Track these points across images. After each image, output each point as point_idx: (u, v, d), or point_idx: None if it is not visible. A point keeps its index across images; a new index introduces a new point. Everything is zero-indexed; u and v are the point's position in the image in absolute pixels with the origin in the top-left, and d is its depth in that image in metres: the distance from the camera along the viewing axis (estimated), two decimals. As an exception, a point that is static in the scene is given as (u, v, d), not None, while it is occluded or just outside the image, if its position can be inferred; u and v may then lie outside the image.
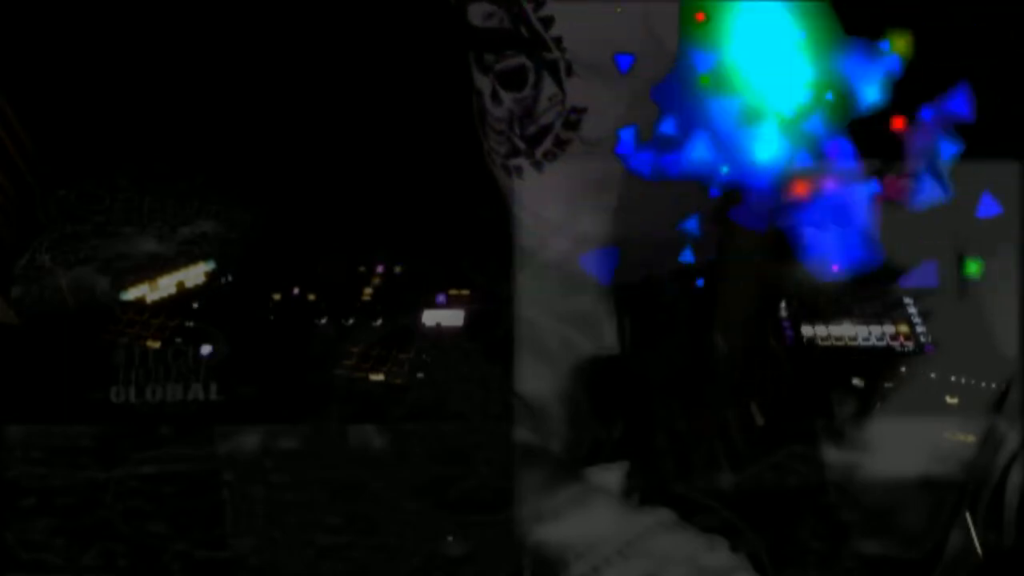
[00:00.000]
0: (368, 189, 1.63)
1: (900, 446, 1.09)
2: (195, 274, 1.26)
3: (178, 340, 1.17)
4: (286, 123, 1.73)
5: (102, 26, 1.67)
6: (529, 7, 1.28)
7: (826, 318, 1.21)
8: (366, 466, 1.09)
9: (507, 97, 1.38)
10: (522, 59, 1.34)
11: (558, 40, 1.31)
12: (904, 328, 1.20)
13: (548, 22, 1.29)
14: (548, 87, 1.34)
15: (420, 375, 1.13)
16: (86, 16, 1.65)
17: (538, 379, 1.17)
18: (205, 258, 1.27)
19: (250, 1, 1.69)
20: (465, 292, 1.23)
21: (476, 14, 1.34)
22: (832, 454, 1.10)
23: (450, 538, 1.07)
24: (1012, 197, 1.13)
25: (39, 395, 1.13)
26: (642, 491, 1.12)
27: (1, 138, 1.50)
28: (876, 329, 1.20)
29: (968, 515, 1.07)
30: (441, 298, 1.22)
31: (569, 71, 1.33)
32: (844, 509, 1.09)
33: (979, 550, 1.06)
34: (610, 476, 1.14)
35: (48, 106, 1.61)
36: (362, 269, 1.29)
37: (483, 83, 1.40)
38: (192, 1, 1.68)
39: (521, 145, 1.40)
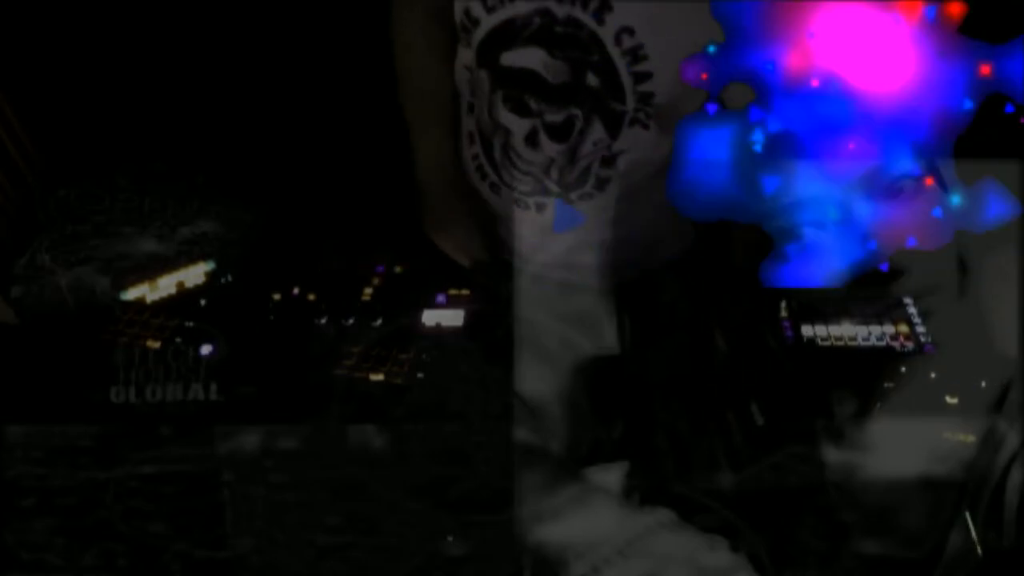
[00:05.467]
0: (368, 189, 1.64)
1: (900, 446, 1.09)
2: (195, 274, 1.26)
3: (178, 340, 1.17)
4: (286, 123, 1.73)
5: (102, 26, 1.67)
6: (623, 61, 1.24)
7: (826, 318, 1.21)
8: (366, 466, 1.09)
9: (551, 146, 1.33)
10: (575, 110, 1.30)
11: (647, 96, 1.26)
12: (904, 328, 1.20)
13: (643, 77, 1.25)
14: (596, 132, 1.31)
15: (420, 375, 1.13)
16: (86, 16, 1.65)
17: (538, 379, 1.17)
18: (205, 258, 1.27)
19: (250, 2, 1.69)
20: (465, 292, 1.23)
21: (529, 59, 1.28)
22: (832, 454, 1.10)
23: (450, 538, 1.07)
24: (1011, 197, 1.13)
25: (39, 395, 1.13)
26: (642, 491, 1.12)
27: (1, 138, 1.50)
28: (876, 329, 1.20)
29: (968, 515, 1.07)
30: (441, 298, 1.22)
31: (633, 123, 1.29)
32: (844, 509, 1.09)
33: (979, 550, 1.06)
34: (610, 476, 1.14)
35: (48, 106, 1.61)
36: (362, 269, 1.29)
37: (514, 123, 1.34)
38: (191, 2, 1.68)
39: (555, 188, 1.38)
